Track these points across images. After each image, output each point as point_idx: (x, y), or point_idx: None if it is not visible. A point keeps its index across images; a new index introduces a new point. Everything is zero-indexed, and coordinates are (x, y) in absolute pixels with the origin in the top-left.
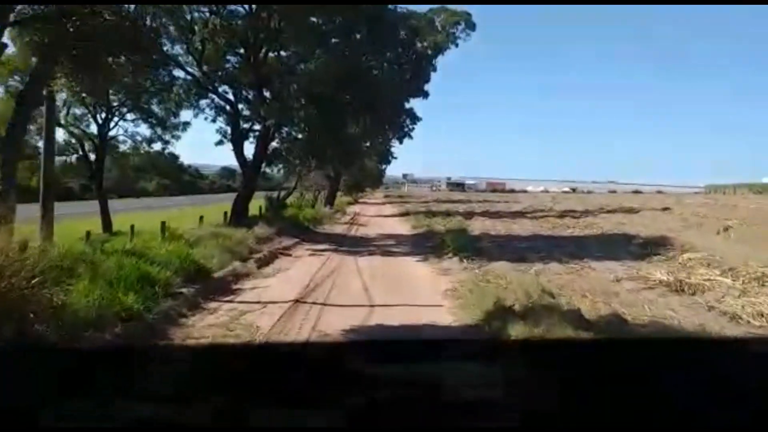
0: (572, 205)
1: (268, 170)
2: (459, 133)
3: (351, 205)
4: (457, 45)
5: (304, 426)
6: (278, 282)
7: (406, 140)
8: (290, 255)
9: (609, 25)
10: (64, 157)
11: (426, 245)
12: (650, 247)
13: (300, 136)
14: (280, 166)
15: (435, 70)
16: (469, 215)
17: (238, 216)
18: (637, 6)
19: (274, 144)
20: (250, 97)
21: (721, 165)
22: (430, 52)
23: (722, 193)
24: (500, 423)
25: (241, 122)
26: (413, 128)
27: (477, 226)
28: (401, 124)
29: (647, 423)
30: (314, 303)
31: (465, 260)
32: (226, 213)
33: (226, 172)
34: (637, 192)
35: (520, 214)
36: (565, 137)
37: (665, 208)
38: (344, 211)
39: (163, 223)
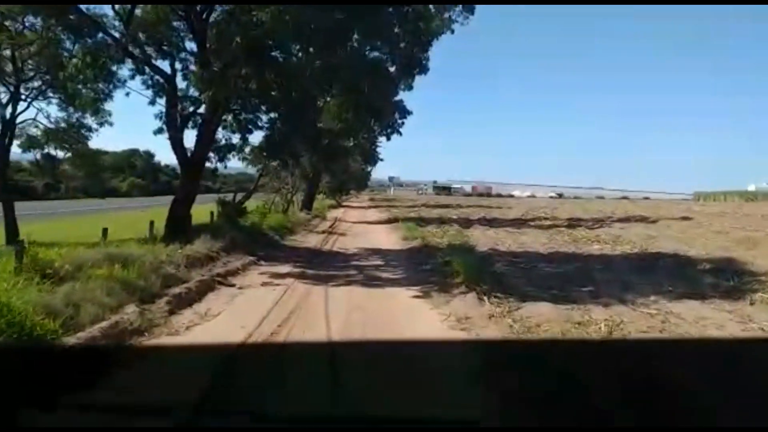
0: (573, 211)
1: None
2: (444, 136)
3: (333, 209)
4: (453, 31)
5: None
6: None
7: (390, 143)
8: (233, 285)
9: (605, 23)
10: None
11: (424, 268)
12: (731, 277)
13: (252, 117)
14: (257, 164)
15: (428, 60)
16: (466, 223)
17: (175, 226)
18: (634, 6)
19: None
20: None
21: (706, 172)
22: (422, 38)
23: (712, 200)
24: None
25: (187, 105)
26: (403, 123)
27: (480, 239)
28: (390, 110)
29: None
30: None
31: (486, 298)
32: (152, 222)
33: (207, 172)
34: (624, 198)
35: (522, 222)
36: (550, 141)
37: (685, 218)
38: (324, 216)
39: (19, 243)
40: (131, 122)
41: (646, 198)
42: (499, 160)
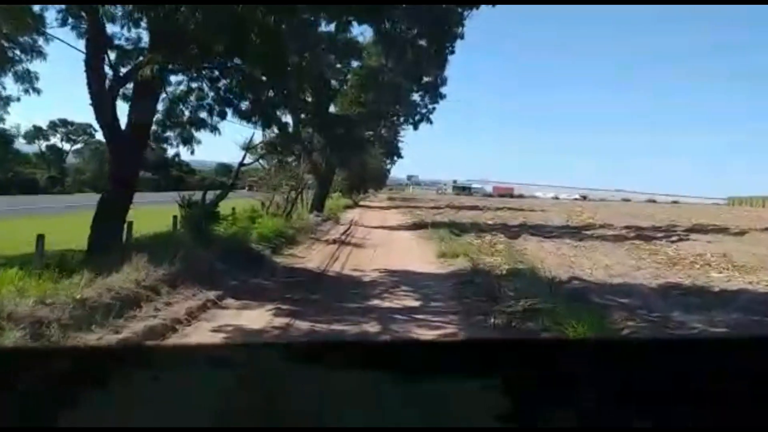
0: (622, 217)
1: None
2: (464, 136)
3: (349, 210)
4: (494, 5)
5: None
6: None
7: (408, 140)
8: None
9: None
10: None
11: (492, 320)
12: None
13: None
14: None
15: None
16: (507, 230)
17: (100, 240)
18: (662, 6)
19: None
20: None
21: (738, 177)
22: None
23: (749, 206)
24: None
25: (131, 60)
26: (434, 109)
27: (543, 257)
28: (429, 78)
29: None
30: None
31: None
32: (41, 237)
33: (222, 168)
34: (651, 201)
35: (576, 231)
36: (573, 143)
37: None
38: (337, 219)
39: None
40: None
41: (675, 202)
42: (517, 159)
